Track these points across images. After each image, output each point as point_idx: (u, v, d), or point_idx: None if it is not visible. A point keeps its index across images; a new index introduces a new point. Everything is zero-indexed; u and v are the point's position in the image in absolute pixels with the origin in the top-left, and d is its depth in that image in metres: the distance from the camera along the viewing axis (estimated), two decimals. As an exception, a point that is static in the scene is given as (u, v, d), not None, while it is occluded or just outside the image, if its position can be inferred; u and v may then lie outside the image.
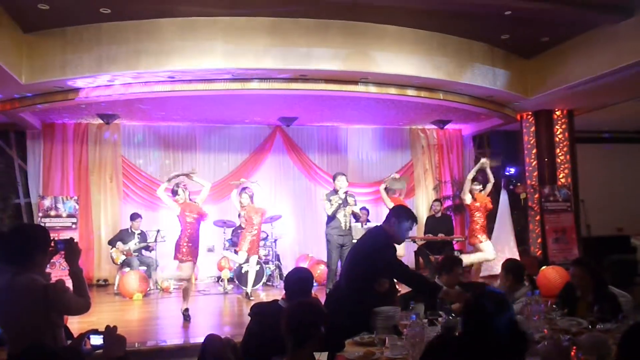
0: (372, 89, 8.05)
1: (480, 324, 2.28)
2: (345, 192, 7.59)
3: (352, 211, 7.61)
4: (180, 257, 6.76)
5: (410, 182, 11.63)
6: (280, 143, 11.15)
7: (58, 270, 7.46)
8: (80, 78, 7.26)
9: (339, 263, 7.54)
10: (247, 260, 8.27)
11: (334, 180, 7.77)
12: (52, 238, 2.98)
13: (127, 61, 7.05)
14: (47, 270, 3.06)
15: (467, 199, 8.04)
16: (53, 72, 7.14)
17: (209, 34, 7.08)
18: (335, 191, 7.59)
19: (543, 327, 3.28)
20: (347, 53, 7.36)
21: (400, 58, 7.61)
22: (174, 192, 6.88)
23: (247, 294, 8.21)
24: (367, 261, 3.94)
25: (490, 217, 10.18)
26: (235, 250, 8.70)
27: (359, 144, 11.63)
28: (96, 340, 2.37)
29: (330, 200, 7.54)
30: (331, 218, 7.55)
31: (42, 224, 8.53)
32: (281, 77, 7.58)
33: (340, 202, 7.48)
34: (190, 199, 7.07)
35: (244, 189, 8.39)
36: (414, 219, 4.13)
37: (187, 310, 6.81)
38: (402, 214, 4.10)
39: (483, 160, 8.30)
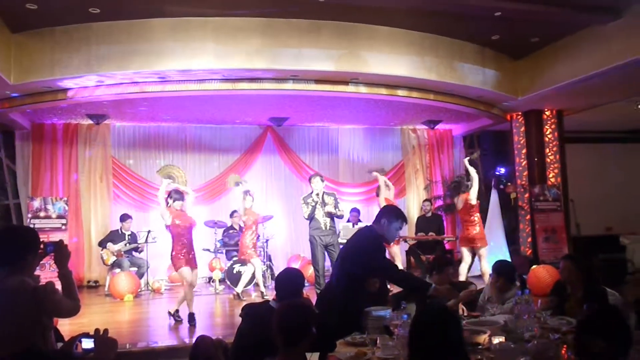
0: (363, 89, 8.06)
1: (425, 340, 2.23)
2: (322, 192, 7.53)
3: (328, 211, 7.52)
4: (178, 264, 6.70)
5: (401, 182, 11.67)
6: (271, 143, 11.14)
7: (48, 272, 7.42)
8: (69, 78, 7.21)
9: (327, 263, 7.53)
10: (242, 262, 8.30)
11: (309, 182, 7.76)
12: (41, 240, 2.96)
13: (117, 61, 7.01)
14: (37, 272, 3.04)
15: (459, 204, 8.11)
16: (42, 72, 7.09)
17: (200, 35, 7.06)
18: (312, 193, 7.58)
19: (533, 326, 3.30)
20: (338, 53, 7.36)
21: (391, 59, 7.62)
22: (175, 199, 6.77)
23: (237, 294, 8.22)
24: (357, 261, 3.96)
25: (481, 216, 10.27)
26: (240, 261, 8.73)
27: (350, 144, 11.64)
28: (87, 344, 2.36)
29: (307, 204, 7.52)
30: (311, 219, 7.54)
31: (32, 225, 8.47)
32: (272, 77, 7.57)
33: (314, 204, 7.46)
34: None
35: (246, 191, 8.38)
36: (403, 218, 4.16)
37: (177, 311, 6.78)
38: (391, 214, 4.12)
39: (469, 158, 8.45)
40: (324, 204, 7.48)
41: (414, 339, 2.27)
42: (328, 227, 7.47)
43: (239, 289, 8.27)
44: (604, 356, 2.16)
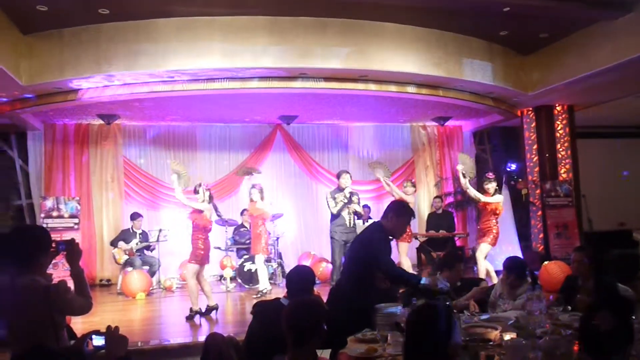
0: (372, 86, 8.05)
1: (420, 337, 2.20)
2: (350, 191, 7.59)
3: (354, 210, 7.59)
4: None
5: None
6: (281, 141, 11.15)
7: (61, 271, 7.46)
8: (79, 79, 7.27)
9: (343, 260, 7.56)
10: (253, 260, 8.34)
11: (338, 178, 7.75)
12: (53, 239, 2.99)
13: (126, 61, 7.05)
14: (50, 271, 3.07)
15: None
16: (52, 73, 7.16)
17: (207, 34, 7.08)
18: (340, 189, 7.59)
19: (545, 322, 3.28)
20: (346, 51, 7.35)
21: (399, 55, 7.60)
22: (195, 192, 6.99)
23: (260, 292, 8.04)
24: (366, 257, 3.96)
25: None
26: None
27: (360, 142, 11.62)
28: (98, 341, 2.38)
29: (334, 199, 7.53)
30: (336, 216, 7.54)
31: (44, 225, 8.54)
32: (281, 75, 7.57)
33: (346, 200, 7.47)
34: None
35: (253, 185, 8.39)
36: (411, 213, 4.16)
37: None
38: (399, 209, 4.12)
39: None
40: (350, 201, 7.51)
41: (406, 338, 2.26)
42: (352, 225, 7.54)
43: (261, 286, 8.11)
44: (607, 338, 2.15)
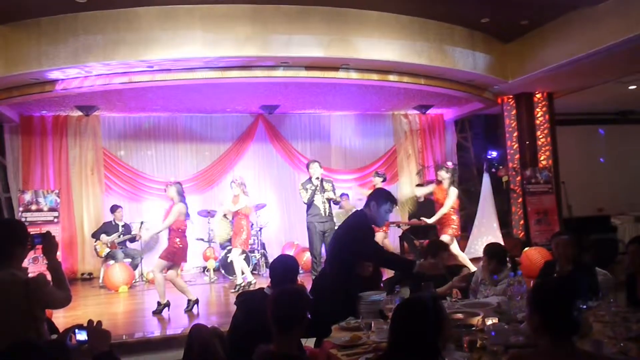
0: (354, 75, 8.03)
1: (406, 330, 2.22)
2: (321, 179, 7.60)
3: (328, 197, 7.59)
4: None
5: (393, 167, 11.69)
6: (262, 131, 11.09)
7: (41, 265, 7.38)
8: (56, 69, 7.11)
9: (323, 249, 7.56)
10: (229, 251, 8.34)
11: (307, 169, 7.79)
12: (28, 232, 2.95)
13: (104, 51, 6.92)
14: (31, 265, 3.04)
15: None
16: (29, 64, 6.99)
17: (188, 23, 6.98)
18: (311, 179, 7.61)
19: (526, 307, 3.32)
20: (328, 39, 7.32)
21: (381, 43, 7.59)
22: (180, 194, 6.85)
23: (237, 285, 8.03)
24: (348, 245, 3.97)
25: (474, 200, 10.28)
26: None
27: (342, 131, 11.62)
28: (81, 335, 2.36)
29: (306, 189, 7.55)
30: (309, 206, 7.56)
31: (23, 219, 8.42)
32: (262, 64, 7.52)
33: (314, 188, 7.50)
34: None
35: (233, 180, 8.34)
36: (393, 200, 4.16)
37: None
38: (380, 197, 4.12)
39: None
40: (323, 189, 7.53)
41: (392, 330, 2.28)
42: (327, 214, 7.55)
43: (238, 280, 8.13)
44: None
